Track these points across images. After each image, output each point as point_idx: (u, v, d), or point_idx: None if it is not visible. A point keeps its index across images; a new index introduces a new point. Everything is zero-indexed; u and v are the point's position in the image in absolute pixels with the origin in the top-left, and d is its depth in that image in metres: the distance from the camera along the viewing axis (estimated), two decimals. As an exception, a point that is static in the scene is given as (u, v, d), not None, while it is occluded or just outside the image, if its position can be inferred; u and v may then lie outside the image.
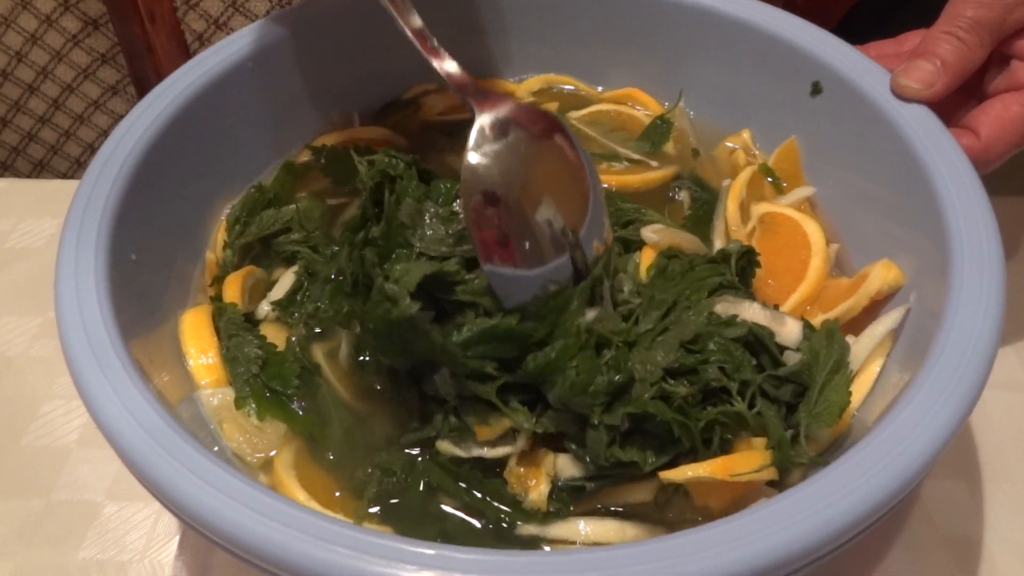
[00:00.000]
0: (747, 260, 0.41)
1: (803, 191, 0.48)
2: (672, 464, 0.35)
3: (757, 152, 0.51)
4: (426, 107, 0.54)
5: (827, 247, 0.44)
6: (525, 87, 0.55)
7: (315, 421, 0.39)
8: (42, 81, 0.89)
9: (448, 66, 0.39)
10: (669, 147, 0.52)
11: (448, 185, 0.41)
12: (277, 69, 0.48)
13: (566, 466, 0.36)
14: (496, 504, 0.36)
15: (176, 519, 0.42)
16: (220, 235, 0.46)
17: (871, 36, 0.49)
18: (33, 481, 0.44)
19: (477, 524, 0.36)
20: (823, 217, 0.47)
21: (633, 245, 0.44)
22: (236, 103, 0.46)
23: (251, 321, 0.42)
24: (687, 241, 0.44)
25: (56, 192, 0.60)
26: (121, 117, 0.42)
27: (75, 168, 0.97)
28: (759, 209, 0.47)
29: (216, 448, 0.37)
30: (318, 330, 0.42)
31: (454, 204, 0.40)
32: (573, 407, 0.35)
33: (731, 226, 0.46)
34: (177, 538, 0.42)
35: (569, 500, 0.36)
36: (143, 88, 0.88)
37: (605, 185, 0.49)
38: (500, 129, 0.37)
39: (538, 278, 0.37)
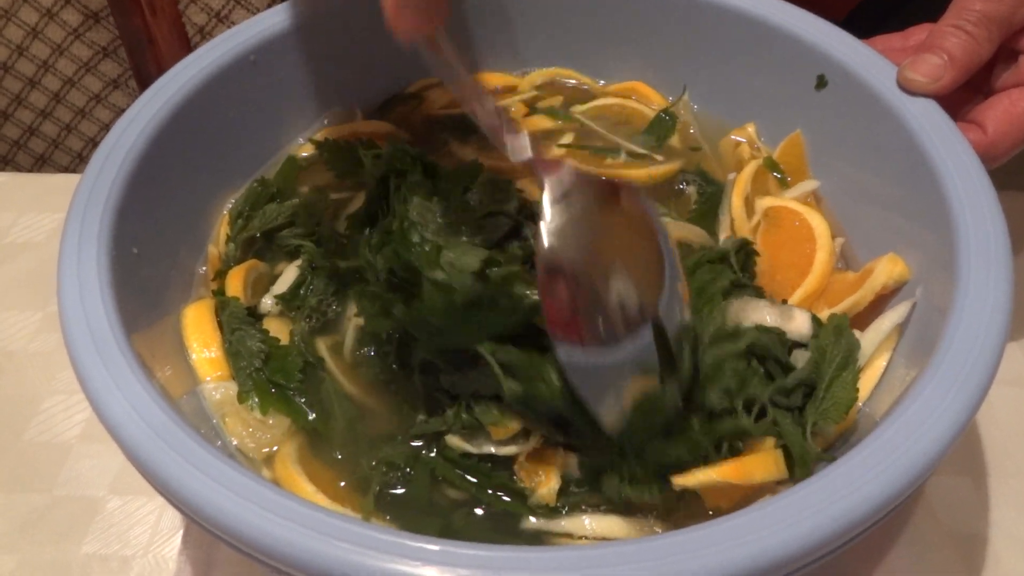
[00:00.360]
0: (745, 253, 0.41)
1: (808, 184, 0.48)
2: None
3: (761, 146, 0.51)
4: (429, 101, 0.54)
5: (832, 240, 0.44)
6: (528, 81, 0.55)
7: (318, 415, 0.39)
8: (43, 75, 0.89)
9: (521, 142, 0.35)
10: (675, 141, 0.52)
11: (454, 177, 0.41)
12: (279, 63, 0.48)
13: (575, 466, 0.36)
14: (503, 497, 0.36)
15: (179, 514, 0.42)
16: (223, 229, 0.46)
17: (877, 30, 0.49)
18: (36, 476, 0.44)
19: (481, 516, 0.36)
20: (828, 211, 0.47)
21: None
22: (238, 97, 0.46)
23: (254, 315, 0.42)
24: (694, 234, 0.44)
25: (57, 186, 0.60)
26: (122, 111, 0.42)
27: (76, 162, 0.97)
28: (763, 203, 0.46)
29: (219, 443, 0.37)
30: (321, 324, 0.42)
31: (466, 195, 0.39)
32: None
33: (736, 220, 0.46)
34: (180, 533, 0.42)
35: (578, 497, 0.36)
36: (144, 82, 0.88)
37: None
38: (572, 199, 0.34)
39: (620, 367, 0.33)
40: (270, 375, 0.39)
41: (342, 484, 0.37)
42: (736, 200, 0.47)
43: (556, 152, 0.51)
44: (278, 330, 0.41)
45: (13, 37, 0.85)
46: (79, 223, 0.36)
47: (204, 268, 0.45)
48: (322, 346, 0.41)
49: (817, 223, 0.44)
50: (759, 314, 0.38)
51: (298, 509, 0.27)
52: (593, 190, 0.35)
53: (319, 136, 0.51)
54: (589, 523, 0.35)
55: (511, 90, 0.55)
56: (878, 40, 0.48)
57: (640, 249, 0.36)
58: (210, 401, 0.38)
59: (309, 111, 0.51)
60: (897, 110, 0.41)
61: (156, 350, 0.36)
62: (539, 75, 0.55)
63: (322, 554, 0.26)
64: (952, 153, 0.39)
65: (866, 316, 0.40)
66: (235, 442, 0.38)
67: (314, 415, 0.39)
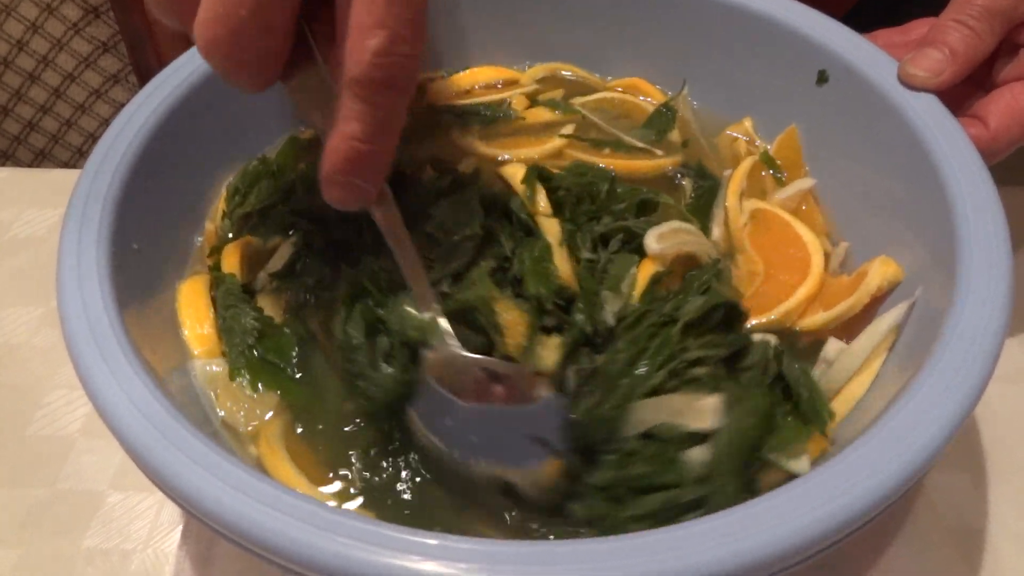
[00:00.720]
0: (715, 273, 0.39)
1: (803, 183, 0.47)
2: None
3: (759, 142, 0.51)
4: (432, 92, 0.54)
5: (825, 243, 0.44)
6: (529, 75, 0.55)
7: (309, 392, 0.38)
8: (43, 70, 0.89)
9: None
10: (675, 135, 0.51)
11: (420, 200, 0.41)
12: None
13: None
14: None
15: (179, 509, 0.42)
16: (220, 205, 0.46)
17: (878, 25, 0.49)
18: (37, 471, 0.44)
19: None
20: (825, 208, 0.47)
21: (638, 240, 0.41)
22: (237, 90, 0.46)
23: (249, 292, 0.42)
24: (698, 246, 0.41)
25: (58, 182, 0.60)
26: (122, 106, 0.42)
27: (76, 157, 0.97)
28: (750, 205, 0.46)
29: (207, 418, 0.37)
30: (314, 300, 0.41)
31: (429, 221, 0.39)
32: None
33: (731, 217, 0.46)
34: (180, 527, 0.42)
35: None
36: (144, 77, 0.88)
37: (612, 171, 0.48)
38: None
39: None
40: (263, 353, 0.39)
41: (325, 463, 0.36)
42: (731, 198, 0.47)
43: (556, 143, 0.50)
44: (272, 307, 0.41)
45: (13, 32, 0.85)
46: (79, 218, 0.36)
47: (200, 239, 0.44)
48: (314, 322, 0.41)
49: (803, 230, 0.44)
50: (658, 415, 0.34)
51: (297, 504, 0.28)
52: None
53: None
54: None
55: (512, 83, 0.54)
56: (879, 35, 0.48)
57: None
58: (201, 376, 0.38)
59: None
60: (898, 105, 0.41)
61: (151, 332, 0.36)
62: (540, 69, 0.55)
63: (321, 549, 0.26)
64: (953, 148, 0.39)
65: (861, 318, 0.40)
66: (223, 414, 0.37)
67: (305, 391, 0.38)
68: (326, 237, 0.43)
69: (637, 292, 0.39)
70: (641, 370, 0.34)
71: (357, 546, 0.26)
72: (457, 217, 0.41)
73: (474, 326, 0.37)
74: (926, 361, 0.32)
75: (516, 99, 0.53)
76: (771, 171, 0.49)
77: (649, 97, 0.54)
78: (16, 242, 0.56)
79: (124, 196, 0.38)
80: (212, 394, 0.38)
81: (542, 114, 0.52)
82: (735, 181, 0.47)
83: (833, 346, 0.39)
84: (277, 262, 0.43)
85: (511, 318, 0.37)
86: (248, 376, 0.38)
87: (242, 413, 0.38)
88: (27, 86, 0.90)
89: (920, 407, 0.30)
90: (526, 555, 0.26)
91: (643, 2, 0.51)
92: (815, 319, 0.41)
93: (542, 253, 0.40)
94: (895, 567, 0.41)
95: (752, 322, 0.41)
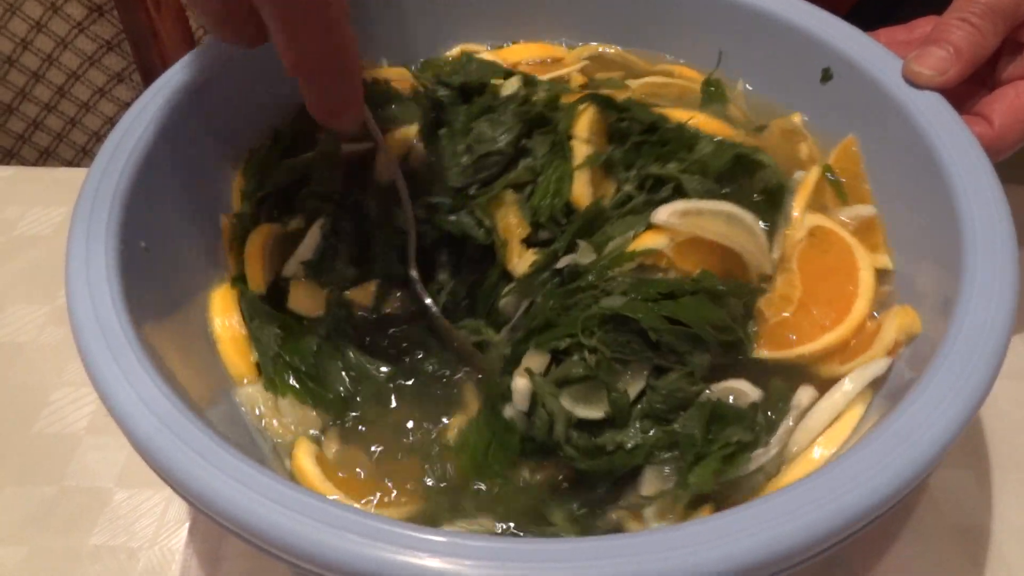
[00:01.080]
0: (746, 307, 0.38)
1: (864, 209, 0.43)
2: None
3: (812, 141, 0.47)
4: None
5: (876, 287, 0.39)
6: (575, 54, 0.54)
7: (338, 399, 0.39)
8: (47, 68, 0.89)
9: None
10: (733, 111, 0.49)
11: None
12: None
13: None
14: None
15: (187, 506, 0.42)
16: (237, 187, 0.45)
17: (882, 23, 0.49)
18: (44, 468, 0.44)
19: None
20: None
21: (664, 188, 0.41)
22: (244, 87, 0.46)
23: (278, 284, 0.42)
24: (747, 251, 0.38)
25: (64, 180, 0.60)
26: (127, 105, 0.42)
27: (81, 156, 0.97)
28: (813, 220, 0.41)
29: (255, 440, 0.38)
30: (349, 287, 0.42)
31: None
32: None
33: (792, 230, 0.41)
34: (187, 525, 0.42)
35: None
36: (148, 76, 0.88)
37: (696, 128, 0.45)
38: None
39: None
40: (287, 358, 0.40)
41: (359, 471, 0.37)
42: (798, 207, 0.42)
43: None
44: (307, 294, 0.42)
45: (17, 31, 0.85)
46: (87, 216, 0.36)
47: (215, 255, 0.44)
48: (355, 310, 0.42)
49: (864, 264, 0.39)
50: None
51: (306, 500, 0.28)
52: None
53: None
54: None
55: (557, 61, 0.53)
56: (883, 33, 0.48)
57: None
58: (244, 398, 0.39)
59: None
60: (903, 103, 0.41)
61: (177, 338, 0.37)
62: (586, 49, 0.54)
63: (330, 545, 0.26)
64: (958, 146, 0.39)
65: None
66: (269, 434, 0.38)
67: (334, 399, 0.39)
68: (355, 220, 0.43)
69: (626, 254, 0.38)
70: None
71: (366, 543, 0.26)
72: (494, 133, 0.43)
73: (482, 225, 0.42)
74: (932, 359, 0.32)
75: (573, 77, 0.51)
76: (830, 178, 0.44)
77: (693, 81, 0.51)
78: (22, 240, 0.56)
79: (132, 193, 0.38)
80: (256, 412, 0.39)
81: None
82: (806, 188, 0.42)
83: (805, 395, 0.37)
84: (306, 251, 0.43)
85: (509, 222, 0.41)
86: (278, 384, 0.39)
87: (283, 427, 0.38)
88: (31, 85, 0.90)
89: (927, 405, 0.30)
90: (534, 552, 0.26)
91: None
92: (828, 369, 0.38)
93: (562, 173, 0.42)
94: (898, 564, 0.41)
95: (762, 353, 0.38)
